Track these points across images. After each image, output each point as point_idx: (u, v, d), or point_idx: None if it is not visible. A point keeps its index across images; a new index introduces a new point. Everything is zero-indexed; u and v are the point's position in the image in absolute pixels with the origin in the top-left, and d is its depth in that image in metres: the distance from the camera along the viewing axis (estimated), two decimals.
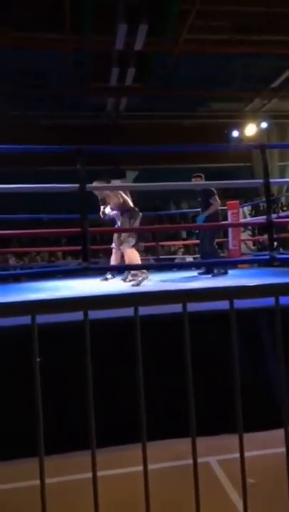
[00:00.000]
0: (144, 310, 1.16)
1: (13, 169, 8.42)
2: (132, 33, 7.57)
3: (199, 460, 1.14)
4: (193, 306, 1.23)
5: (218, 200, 5.13)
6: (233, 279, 4.69)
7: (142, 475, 1.12)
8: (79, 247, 5.84)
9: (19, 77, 9.60)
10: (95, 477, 1.07)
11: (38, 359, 1.06)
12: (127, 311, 1.17)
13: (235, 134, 12.07)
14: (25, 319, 1.10)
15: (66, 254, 9.44)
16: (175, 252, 10.07)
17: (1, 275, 5.45)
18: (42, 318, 1.13)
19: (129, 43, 7.94)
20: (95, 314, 1.16)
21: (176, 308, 1.17)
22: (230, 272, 5.34)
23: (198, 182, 5.21)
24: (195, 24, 7.80)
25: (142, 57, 8.74)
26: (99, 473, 1.09)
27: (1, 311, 1.12)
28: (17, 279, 5.83)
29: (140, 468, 1.12)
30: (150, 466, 1.12)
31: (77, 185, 3.03)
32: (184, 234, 11.42)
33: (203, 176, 5.22)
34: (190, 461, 1.11)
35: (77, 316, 1.12)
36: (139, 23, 7.26)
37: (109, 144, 10.47)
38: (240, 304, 1.26)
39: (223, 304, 1.20)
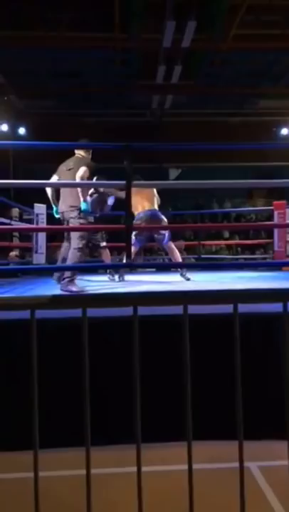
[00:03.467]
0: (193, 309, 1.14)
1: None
2: (180, 30, 7.52)
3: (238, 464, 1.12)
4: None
5: None
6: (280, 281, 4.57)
7: (180, 473, 1.11)
8: (116, 244, 5.97)
9: (66, 76, 9.82)
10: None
11: None
12: (176, 309, 1.16)
13: (284, 131, 11.71)
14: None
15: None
16: (217, 252, 9.94)
17: (48, 268, 5.61)
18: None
19: (176, 41, 7.90)
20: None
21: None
22: (274, 274, 5.20)
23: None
24: (245, 19, 7.63)
25: (189, 54, 8.67)
26: (144, 469, 1.10)
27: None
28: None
29: (180, 467, 1.11)
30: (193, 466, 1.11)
31: (123, 181, 3.06)
32: (226, 233, 11.25)
33: None
34: (229, 465, 1.09)
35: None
36: (187, 19, 7.20)
37: (153, 142, 10.48)
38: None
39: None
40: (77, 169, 3.59)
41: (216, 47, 8.49)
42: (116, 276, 4.76)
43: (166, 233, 4.63)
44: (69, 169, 3.70)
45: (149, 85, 10.10)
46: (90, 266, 5.64)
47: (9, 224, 5.98)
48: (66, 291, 3.43)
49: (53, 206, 3.90)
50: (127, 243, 3.31)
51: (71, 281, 3.48)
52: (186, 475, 1.11)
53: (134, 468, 1.11)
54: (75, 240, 3.58)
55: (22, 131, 10.72)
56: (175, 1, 6.94)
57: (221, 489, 1.74)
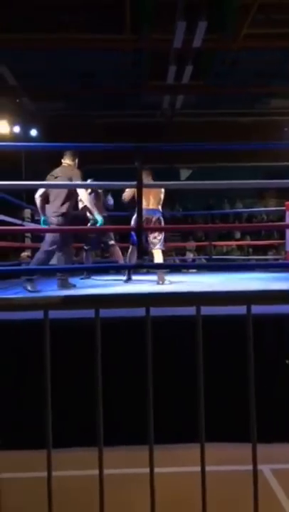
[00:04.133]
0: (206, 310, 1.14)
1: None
2: (191, 30, 7.51)
3: (252, 467, 1.11)
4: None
5: None
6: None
7: (192, 475, 1.10)
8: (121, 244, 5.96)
9: (76, 76, 9.88)
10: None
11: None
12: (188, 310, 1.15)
13: None
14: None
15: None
16: (228, 253, 9.89)
17: (58, 269, 5.63)
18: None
19: (187, 41, 7.89)
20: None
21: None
22: (287, 275, 5.15)
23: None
24: (256, 18, 7.58)
25: (199, 54, 8.65)
26: (157, 470, 1.10)
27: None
28: (72, 273, 6.00)
29: (192, 468, 1.11)
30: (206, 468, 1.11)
31: (134, 182, 3.06)
32: (237, 234, 11.18)
33: None
34: (241, 467, 1.08)
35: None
36: (198, 20, 7.19)
37: (164, 142, 10.47)
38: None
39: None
40: (65, 178, 3.74)
41: (226, 46, 8.46)
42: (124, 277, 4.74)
43: (162, 238, 4.43)
44: (56, 177, 3.82)
45: (160, 86, 10.10)
46: (102, 266, 5.66)
47: (21, 225, 6.03)
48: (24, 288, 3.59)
49: (42, 216, 4.04)
50: (139, 243, 3.32)
51: (30, 280, 3.60)
52: (199, 477, 1.11)
53: (147, 470, 1.11)
54: (47, 244, 3.74)
55: (34, 132, 10.82)
56: (186, 1, 6.93)
57: (233, 491, 1.73)
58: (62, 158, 3.98)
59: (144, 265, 4.51)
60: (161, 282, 4.32)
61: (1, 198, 4.76)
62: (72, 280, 4.12)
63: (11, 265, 6.07)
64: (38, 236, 6.56)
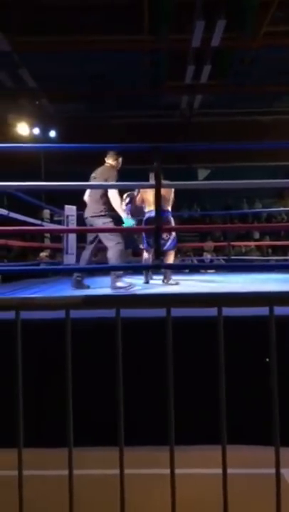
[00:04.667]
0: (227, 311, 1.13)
1: (92, 168, 8.75)
2: (209, 29, 7.46)
3: (273, 470, 1.10)
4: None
5: None
6: None
7: (213, 477, 1.10)
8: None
9: (94, 78, 9.94)
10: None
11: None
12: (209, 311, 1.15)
13: None
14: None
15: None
16: (247, 253, 9.78)
17: (77, 269, 5.68)
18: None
19: (205, 40, 7.84)
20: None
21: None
22: None
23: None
24: (275, 16, 7.48)
25: (218, 53, 8.59)
26: (178, 471, 1.09)
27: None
28: (91, 273, 6.05)
29: (214, 470, 1.09)
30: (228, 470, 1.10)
31: (153, 183, 3.06)
32: (256, 234, 11.05)
33: None
34: (261, 470, 1.07)
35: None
36: (217, 18, 7.14)
37: (182, 142, 10.44)
38: None
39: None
40: (101, 179, 3.71)
41: (245, 45, 8.38)
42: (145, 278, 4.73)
43: (170, 238, 4.35)
44: (94, 178, 3.82)
45: (178, 86, 10.08)
46: (120, 267, 5.66)
47: (40, 225, 6.11)
48: (114, 288, 3.60)
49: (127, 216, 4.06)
50: (157, 244, 3.31)
51: (118, 277, 3.65)
52: (220, 479, 1.10)
53: (168, 470, 1.11)
54: (111, 240, 3.66)
55: (53, 134, 10.94)
56: (204, 0, 6.90)
57: (254, 495, 1.71)
58: (105, 157, 3.94)
59: (162, 265, 4.48)
60: (166, 281, 4.36)
61: (21, 198, 4.82)
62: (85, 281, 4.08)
63: (31, 265, 6.15)
64: (57, 236, 6.64)
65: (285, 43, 8.31)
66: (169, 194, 4.32)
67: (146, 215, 4.31)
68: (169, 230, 4.32)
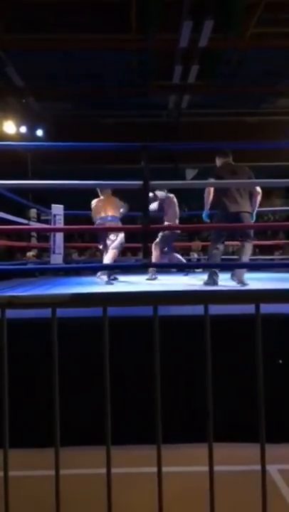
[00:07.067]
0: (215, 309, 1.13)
1: (80, 167, 8.74)
2: (197, 29, 7.49)
3: (259, 467, 1.11)
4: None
5: None
6: None
7: (200, 475, 1.10)
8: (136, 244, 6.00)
9: (83, 77, 9.89)
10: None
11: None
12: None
13: None
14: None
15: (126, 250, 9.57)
16: (234, 253, 9.83)
17: (64, 268, 5.68)
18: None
19: (193, 40, 7.87)
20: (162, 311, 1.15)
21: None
22: None
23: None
24: (262, 17, 7.55)
25: (205, 53, 8.63)
26: (165, 469, 1.09)
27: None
28: (78, 272, 6.03)
29: (200, 468, 1.10)
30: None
31: (140, 182, 3.06)
32: None
33: None
34: (248, 467, 1.08)
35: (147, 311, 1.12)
36: (204, 19, 7.17)
37: (170, 142, 10.45)
38: None
39: None
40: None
41: (233, 46, 8.43)
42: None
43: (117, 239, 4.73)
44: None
45: (166, 85, 10.08)
46: (111, 266, 5.64)
47: (27, 224, 6.05)
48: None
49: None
50: (144, 243, 3.31)
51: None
52: (207, 476, 1.10)
53: (154, 469, 1.11)
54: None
55: (40, 133, 10.85)
56: (192, 0, 6.92)
57: (240, 492, 1.72)
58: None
59: (156, 264, 4.84)
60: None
61: (7, 197, 4.77)
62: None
63: (18, 264, 6.09)
64: (44, 236, 6.59)
65: (272, 45, 8.40)
66: (117, 203, 4.78)
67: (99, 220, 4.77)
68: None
